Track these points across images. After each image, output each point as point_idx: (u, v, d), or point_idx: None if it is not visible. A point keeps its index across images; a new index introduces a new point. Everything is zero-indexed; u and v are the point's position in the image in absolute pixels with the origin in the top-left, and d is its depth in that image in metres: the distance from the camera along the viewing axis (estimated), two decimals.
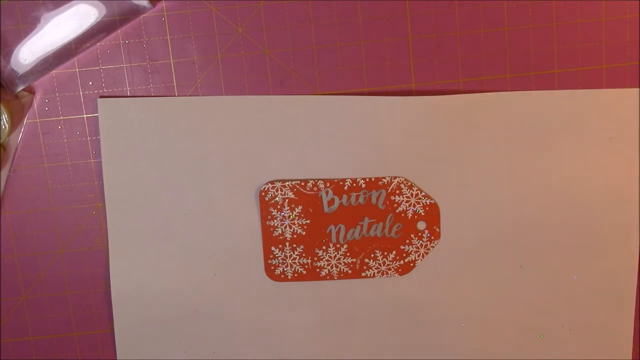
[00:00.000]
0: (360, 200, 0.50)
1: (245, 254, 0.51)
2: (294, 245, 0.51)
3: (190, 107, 0.50)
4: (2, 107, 0.48)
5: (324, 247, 0.51)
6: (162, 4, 0.49)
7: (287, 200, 0.50)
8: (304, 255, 0.51)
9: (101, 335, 0.53)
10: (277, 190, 0.50)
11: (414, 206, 0.50)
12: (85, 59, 0.50)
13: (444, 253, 0.51)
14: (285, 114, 0.50)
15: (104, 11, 0.48)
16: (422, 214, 0.50)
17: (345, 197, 0.50)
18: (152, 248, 0.51)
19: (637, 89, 0.50)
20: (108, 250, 0.51)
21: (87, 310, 0.53)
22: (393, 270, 0.51)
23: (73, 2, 0.48)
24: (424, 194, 0.50)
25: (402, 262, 0.51)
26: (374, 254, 0.51)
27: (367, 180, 0.50)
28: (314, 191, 0.50)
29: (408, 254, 0.51)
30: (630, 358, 0.53)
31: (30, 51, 0.48)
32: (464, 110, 0.50)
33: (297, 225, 0.51)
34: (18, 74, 0.48)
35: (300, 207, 0.50)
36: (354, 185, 0.50)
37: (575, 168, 0.51)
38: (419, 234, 0.51)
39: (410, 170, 0.50)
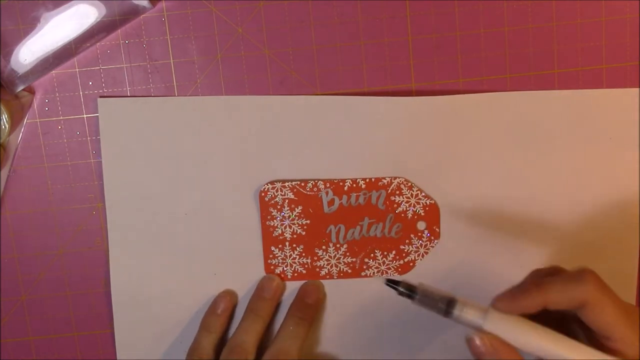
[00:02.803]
0: (360, 200, 0.50)
1: (245, 254, 0.51)
2: (294, 245, 0.51)
3: (190, 107, 0.50)
4: (2, 107, 0.48)
5: (323, 247, 0.51)
6: (162, 4, 0.49)
7: (287, 201, 0.50)
8: (303, 255, 0.51)
9: (101, 335, 0.53)
10: (277, 191, 0.50)
11: (414, 206, 0.50)
12: (85, 59, 0.50)
13: (444, 253, 0.51)
14: (285, 114, 0.50)
15: (104, 11, 0.48)
16: (422, 214, 0.50)
17: (345, 197, 0.50)
18: (152, 248, 0.51)
19: (637, 89, 0.50)
20: (108, 250, 0.51)
21: (87, 310, 0.53)
22: (393, 270, 0.51)
23: (73, 2, 0.48)
24: (424, 194, 0.50)
25: (402, 261, 0.51)
26: (374, 254, 0.51)
27: (367, 180, 0.50)
28: (314, 191, 0.50)
29: (408, 253, 0.51)
30: None
31: (30, 51, 0.48)
32: (464, 110, 0.50)
33: (297, 225, 0.51)
34: (18, 74, 0.48)
35: (300, 208, 0.50)
36: (354, 185, 0.50)
37: (575, 168, 0.51)
38: (419, 234, 0.51)
39: (410, 170, 0.50)
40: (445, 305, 0.41)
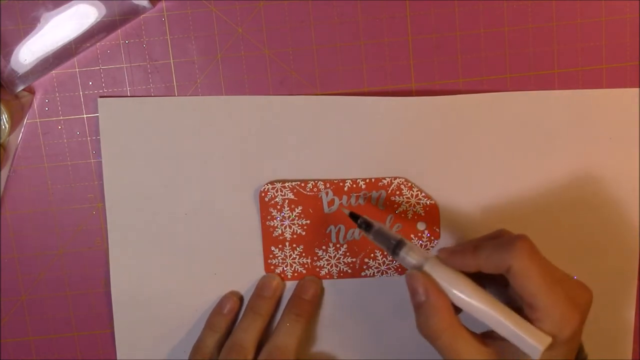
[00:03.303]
0: (360, 200, 0.50)
1: (245, 254, 0.51)
2: (294, 245, 0.51)
3: (190, 107, 0.50)
4: (2, 107, 0.48)
5: (323, 247, 0.51)
6: (162, 4, 0.49)
7: (287, 201, 0.50)
8: (303, 255, 0.51)
9: (101, 335, 0.53)
10: (277, 191, 0.50)
11: (414, 207, 0.50)
12: (85, 59, 0.50)
13: None
14: (285, 114, 0.50)
15: (104, 11, 0.48)
16: (422, 214, 0.50)
17: (345, 197, 0.50)
18: (152, 248, 0.51)
19: (637, 89, 0.50)
20: (108, 250, 0.51)
21: (87, 310, 0.53)
22: (393, 269, 0.51)
23: (73, 2, 0.48)
24: (424, 194, 0.50)
25: None
26: (374, 254, 0.51)
27: (367, 181, 0.50)
28: (314, 192, 0.50)
29: None
30: (630, 358, 0.53)
31: (30, 51, 0.48)
32: (464, 110, 0.50)
33: (297, 225, 0.51)
34: (18, 74, 0.48)
35: (300, 208, 0.50)
36: (354, 186, 0.50)
37: (575, 168, 0.51)
38: (419, 234, 0.51)
39: (410, 170, 0.50)
40: (394, 245, 0.44)
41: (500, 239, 0.42)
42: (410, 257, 0.43)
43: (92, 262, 0.52)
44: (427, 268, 0.42)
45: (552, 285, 0.40)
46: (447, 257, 0.43)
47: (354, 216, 0.46)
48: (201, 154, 0.50)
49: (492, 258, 0.41)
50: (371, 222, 0.45)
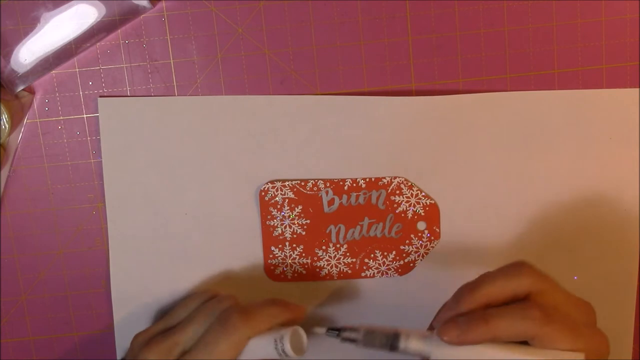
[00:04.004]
0: (360, 200, 0.50)
1: (245, 254, 0.51)
2: (294, 245, 0.51)
3: (190, 107, 0.50)
4: (2, 107, 0.48)
5: (323, 247, 0.51)
6: (162, 4, 0.49)
7: (287, 200, 0.50)
8: (303, 255, 0.51)
9: (101, 335, 0.53)
10: (277, 190, 0.50)
11: (414, 206, 0.50)
12: (85, 59, 0.50)
13: (444, 253, 0.51)
14: (285, 114, 0.50)
15: (104, 11, 0.48)
16: (422, 214, 0.50)
17: (345, 197, 0.50)
18: (152, 248, 0.51)
19: (637, 89, 0.50)
20: (108, 250, 0.51)
21: (87, 310, 0.53)
22: (393, 270, 0.51)
23: (73, 2, 0.48)
24: (424, 194, 0.50)
25: (402, 262, 0.51)
26: (374, 254, 0.51)
27: (367, 180, 0.50)
28: (314, 191, 0.50)
29: (408, 254, 0.51)
30: (631, 358, 0.53)
31: (30, 51, 0.48)
32: (464, 110, 0.50)
33: (297, 225, 0.51)
34: (18, 74, 0.48)
35: (300, 207, 0.50)
36: (354, 185, 0.50)
37: (575, 168, 0.51)
38: (419, 234, 0.51)
39: (410, 170, 0.50)
40: (390, 340, 0.41)
41: (514, 308, 0.40)
42: (411, 344, 0.40)
43: (92, 262, 0.52)
44: (439, 354, 0.40)
45: (576, 337, 0.39)
46: (454, 337, 0.40)
47: (332, 331, 0.43)
48: (201, 154, 0.50)
49: (513, 329, 0.39)
50: (355, 328, 0.42)
